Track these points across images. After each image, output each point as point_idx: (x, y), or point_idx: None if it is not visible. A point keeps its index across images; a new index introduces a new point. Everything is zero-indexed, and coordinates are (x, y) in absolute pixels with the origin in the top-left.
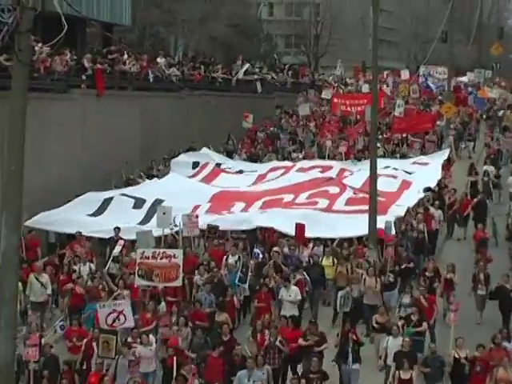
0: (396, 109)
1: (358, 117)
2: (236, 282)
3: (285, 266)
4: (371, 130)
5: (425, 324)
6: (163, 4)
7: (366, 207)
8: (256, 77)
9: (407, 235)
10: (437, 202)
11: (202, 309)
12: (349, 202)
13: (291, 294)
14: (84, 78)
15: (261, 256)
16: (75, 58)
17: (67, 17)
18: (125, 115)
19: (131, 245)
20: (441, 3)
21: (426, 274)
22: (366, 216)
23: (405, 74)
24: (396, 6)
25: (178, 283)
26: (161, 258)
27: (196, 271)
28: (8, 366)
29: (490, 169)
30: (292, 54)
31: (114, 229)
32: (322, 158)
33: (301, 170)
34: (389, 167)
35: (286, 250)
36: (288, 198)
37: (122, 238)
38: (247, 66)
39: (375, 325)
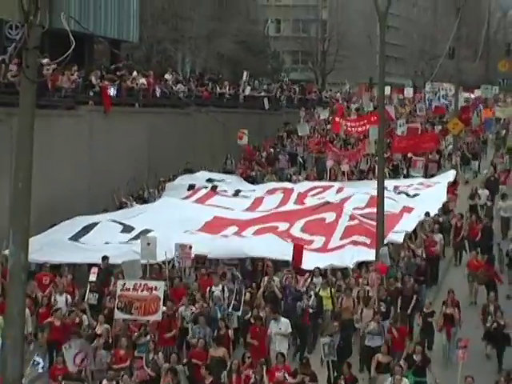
0: (398, 128)
1: (361, 136)
2: (228, 310)
3: (281, 296)
4: (378, 150)
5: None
6: (170, 21)
7: (362, 238)
8: (263, 94)
9: (408, 263)
10: (436, 226)
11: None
12: (345, 233)
13: (281, 326)
14: (91, 94)
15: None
16: (83, 74)
17: (75, 34)
18: (132, 132)
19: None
20: (448, 20)
21: (424, 309)
22: (360, 248)
23: (408, 92)
24: (403, 23)
25: (158, 317)
26: (142, 291)
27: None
28: (15, 383)
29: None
30: (299, 71)
31: (103, 258)
32: (322, 178)
33: (299, 197)
34: (389, 190)
35: (284, 280)
36: (283, 226)
37: (97, 265)
38: (245, 74)
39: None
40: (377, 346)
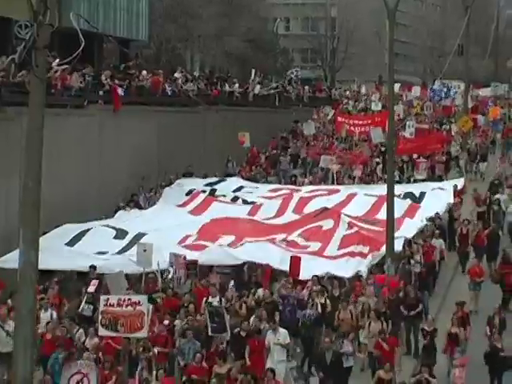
0: (406, 129)
1: (362, 137)
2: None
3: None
4: (388, 151)
5: None
6: (179, 19)
7: (359, 247)
8: (273, 91)
9: (402, 270)
10: (437, 231)
11: (186, 360)
12: (342, 243)
13: (279, 337)
14: (101, 93)
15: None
16: (92, 73)
17: (84, 33)
18: (142, 130)
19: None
20: (457, 17)
21: (425, 327)
22: (357, 259)
23: (416, 91)
24: (412, 20)
25: (143, 334)
26: (126, 306)
27: (177, 315)
28: (26, 381)
29: (503, 197)
30: (308, 69)
31: (90, 267)
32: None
33: (299, 205)
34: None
35: (282, 290)
36: (279, 237)
37: (97, 278)
38: (253, 72)
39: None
40: (349, 367)
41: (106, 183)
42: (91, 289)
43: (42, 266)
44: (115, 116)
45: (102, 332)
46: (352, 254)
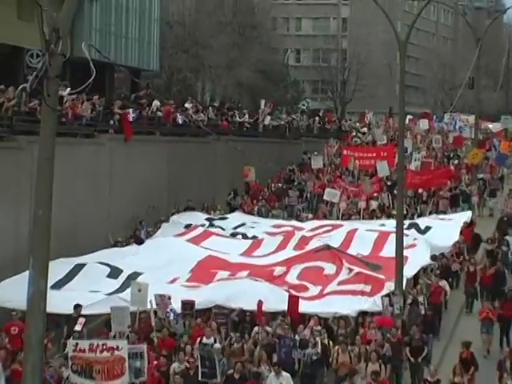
0: (412, 163)
1: (364, 171)
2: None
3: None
4: (398, 186)
5: None
6: (190, 50)
7: (361, 286)
8: (282, 122)
9: (411, 311)
10: (437, 271)
11: None
12: (343, 282)
13: (283, 381)
14: (112, 122)
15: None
16: (103, 103)
17: (96, 62)
18: (152, 160)
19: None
20: (468, 49)
21: (428, 378)
22: (359, 297)
23: (424, 125)
24: (423, 53)
25: (125, 380)
26: (101, 352)
27: (173, 357)
28: None
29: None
30: (319, 100)
31: (75, 306)
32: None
33: (300, 243)
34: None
35: (278, 330)
36: (279, 270)
37: (82, 316)
38: (262, 103)
39: None
40: None
41: (116, 212)
42: (78, 327)
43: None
44: (126, 145)
45: (75, 379)
46: (354, 293)
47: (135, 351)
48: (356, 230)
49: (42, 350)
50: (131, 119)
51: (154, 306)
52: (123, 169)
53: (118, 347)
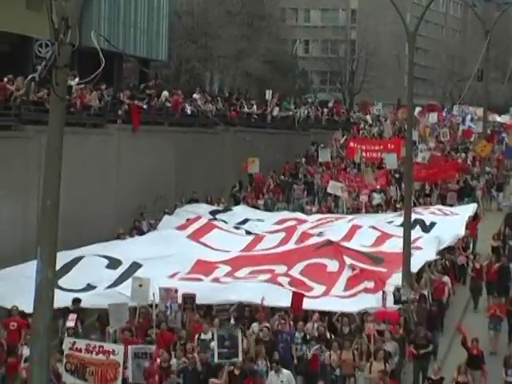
0: (419, 154)
1: (368, 163)
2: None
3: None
4: (406, 179)
5: None
6: (199, 40)
7: (365, 284)
8: (291, 113)
9: (419, 308)
10: (440, 267)
11: None
12: (348, 285)
13: (283, 379)
14: (120, 113)
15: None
16: (111, 93)
17: (104, 52)
18: (160, 150)
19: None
20: (477, 41)
21: (431, 377)
22: (363, 295)
23: (433, 118)
24: (432, 44)
25: None
26: (96, 353)
27: (172, 353)
28: None
29: None
30: (327, 91)
31: (73, 301)
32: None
33: (301, 238)
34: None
35: (276, 325)
36: (280, 269)
37: (76, 311)
38: (267, 93)
39: None
40: None
41: (124, 202)
42: (70, 323)
43: (20, 306)
44: (134, 135)
45: (68, 379)
46: (357, 294)
47: (144, 351)
48: (360, 226)
49: (49, 337)
50: (144, 107)
51: (157, 300)
52: (131, 159)
53: (113, 351)
